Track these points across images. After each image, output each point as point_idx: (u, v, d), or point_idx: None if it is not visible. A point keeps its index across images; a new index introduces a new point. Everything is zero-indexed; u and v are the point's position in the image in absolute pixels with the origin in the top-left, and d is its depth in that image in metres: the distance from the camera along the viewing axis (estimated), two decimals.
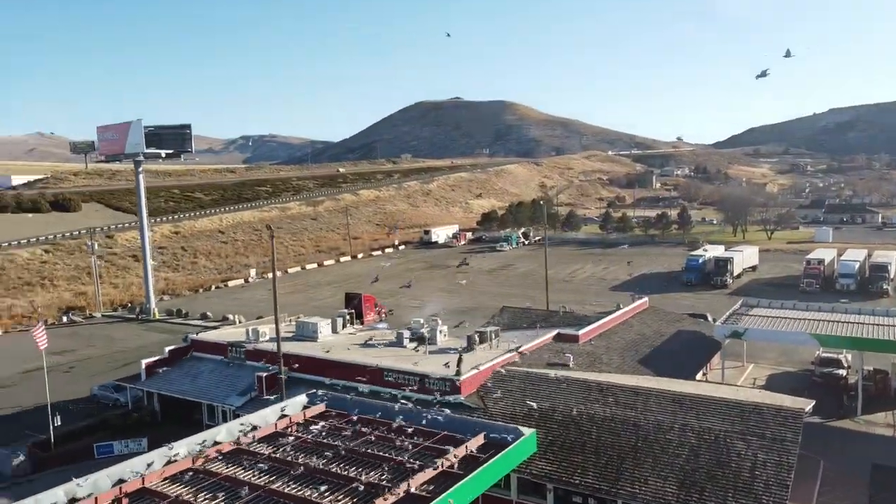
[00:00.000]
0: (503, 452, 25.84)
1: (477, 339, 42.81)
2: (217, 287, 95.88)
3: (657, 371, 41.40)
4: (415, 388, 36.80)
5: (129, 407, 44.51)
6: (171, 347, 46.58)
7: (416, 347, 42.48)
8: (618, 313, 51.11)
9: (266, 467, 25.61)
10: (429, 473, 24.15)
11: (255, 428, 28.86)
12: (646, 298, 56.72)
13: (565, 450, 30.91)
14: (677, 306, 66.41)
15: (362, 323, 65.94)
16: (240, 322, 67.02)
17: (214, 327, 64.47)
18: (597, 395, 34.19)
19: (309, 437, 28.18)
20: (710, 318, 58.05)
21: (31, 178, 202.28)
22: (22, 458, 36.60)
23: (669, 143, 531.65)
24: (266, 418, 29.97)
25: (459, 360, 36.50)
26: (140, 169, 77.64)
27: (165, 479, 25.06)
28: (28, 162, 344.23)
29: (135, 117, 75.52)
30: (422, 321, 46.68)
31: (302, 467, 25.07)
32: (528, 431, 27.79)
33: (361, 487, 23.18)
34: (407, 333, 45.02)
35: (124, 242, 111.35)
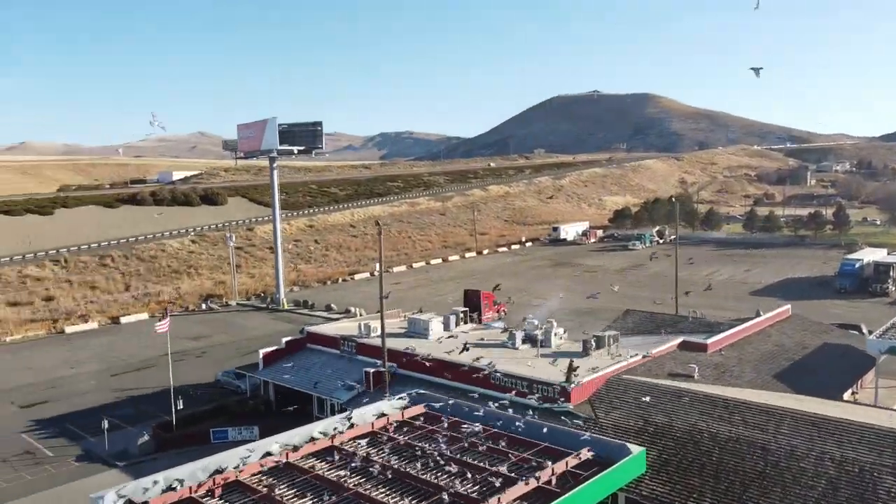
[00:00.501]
0: (607, 471, 23.60)
1: (593, 343, 40.33)
2: (344, 280, 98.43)
3: (795, 388, 37.03)
4: (522, 392, 35.03)
5: (247, 395, 45.99)
6: (288, 339, 47.62)
7: (515, 344, 40.67)
8: (754, 321, 46.56)
9: (357, 467, 24.98)
10: (522, 488, 22.44)
11: (352, 426, 28.38)
12: (788, 306, 51.38)
13: (681, 471, 28.01)
14: (826, 315, 59.89)
15: (480, 320, 64.99)
16: (360, 315, 68.10)
17: (337, 319, 65.87)
18: (722, 412, 30.87)
19: (403, 439, 27.28)
20: (864, 331, 51.68)
21: (189, 173, 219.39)
22: (146, 437, 38.54)
23: (829, 135, 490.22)
24: (364, 416, 29.42)
25: (570, 367, 34.31)
26: (274, 165, 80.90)
27: (259, 472, 25.07)
28: (190, 159, 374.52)
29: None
30: (536, 322, 44.74)
31: (391, 471, 24.17)
32: (637, 450, 25.32)
33: (447, 498, 21.89)
34: (520, 334, 43.29)
35: (262, 235, 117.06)
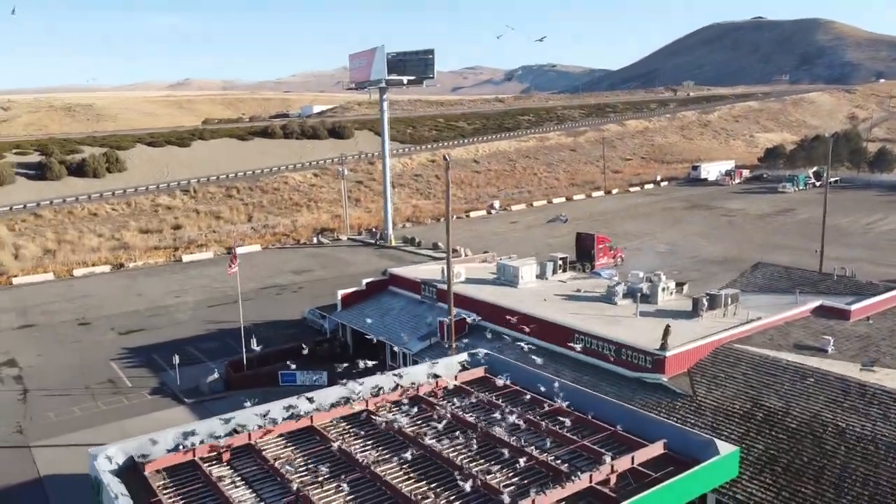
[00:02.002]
0: (682, 476, 18.63)
1: (705, 302, 34.27)
2: (458, 217, 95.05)
3: None
4: (609, 358, 30.17)
5: (327, 336, 44.19)
6: (369, 280, 45.02)
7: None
8: None
9: (381, 438, 21.70)
10: (568, 489, 18.11)
11: (397, 387, 25.01)
12: None
13: (791, 473, 22.38)
14: None
15: (593, 267, 59.48)
16: (465, 255, 64.69)
17: (440, 259, 62.87)
18: (856, 402, 24.54)
19: (448, 408, 23.56)
20: None
21: (327, 107, 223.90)
22: (216, 376, 37.59)
23: None
24: (416, 377, 25.93)
25: (666, 331, 28.87)
26: (384, 96, 77.83)
27: (285, 434, 22.41)
28: (333, 94, 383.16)
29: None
30: (640, 274, 39.08)
31: (422, 449, 20.61)
32: (727, 449, 20.02)
33: (467, 488, 18.06)
34: (621, 288, 37.90)
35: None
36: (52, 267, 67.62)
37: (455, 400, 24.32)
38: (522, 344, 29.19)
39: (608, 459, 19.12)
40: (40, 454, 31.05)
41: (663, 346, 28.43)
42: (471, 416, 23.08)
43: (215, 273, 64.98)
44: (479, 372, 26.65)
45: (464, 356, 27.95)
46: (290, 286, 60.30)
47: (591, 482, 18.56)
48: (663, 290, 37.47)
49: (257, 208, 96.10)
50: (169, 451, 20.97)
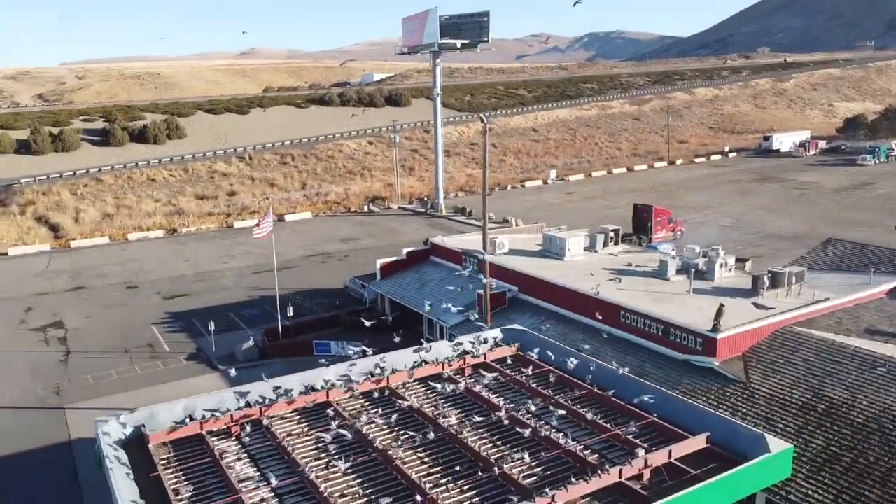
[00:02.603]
0: (725, 475, 16.53)
1: (766, 281, 31.50)
2: (513, 187, 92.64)
3: None
4: (656, 337, 27.98)
5: (366, 305, 43.15)
6: (410, 250, 43.61)
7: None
8: None
9: (406, 417, 20.30)
10: (594, 484, 16.33)
11: (422, 363, 23.55)
12: None
13: (854, 474, 19.97)
14: None
15: (650, 240, 56.71)
16: (516, 225, 62.71)
17: (492, 228, 61.03)
18: None
19: (474, 388, 21.98)
20: None
21: (387, 75, 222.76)
22: (251, 343, 37.06)
23: None
24: (442, 352, 24.40)
25: (719, 311, 26.44)
26: (437, 61, 75.63)
27: (300, 409, 21.29)
28: (395, 62, 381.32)
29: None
30: (697, 249, 36.39)
31: (440, 431, 19.13)
32: (779, 446, 17.79)
33: (485, 475, 16.50)
34: (674, 263, 35.37)
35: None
36: (108, 231, 68.91)
37: (482, 378, 22.68)
38: (561, 320, 27.30)
39: (642, 452, 17.20)
40: (73, 416, 31.10)
41: (715, 327, 26.04)
42: (497, 396, 21.46)
43: (263, 240, 64.73)
44: (510, 349, 24.88)
45: (496, 332, 26.24)
46: (336, 254, 59.58)
47: (620, 477, 16.70)
48: (721, 266, 34.77)
49: (311, 175, 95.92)
50: (177, 423, 20.13)
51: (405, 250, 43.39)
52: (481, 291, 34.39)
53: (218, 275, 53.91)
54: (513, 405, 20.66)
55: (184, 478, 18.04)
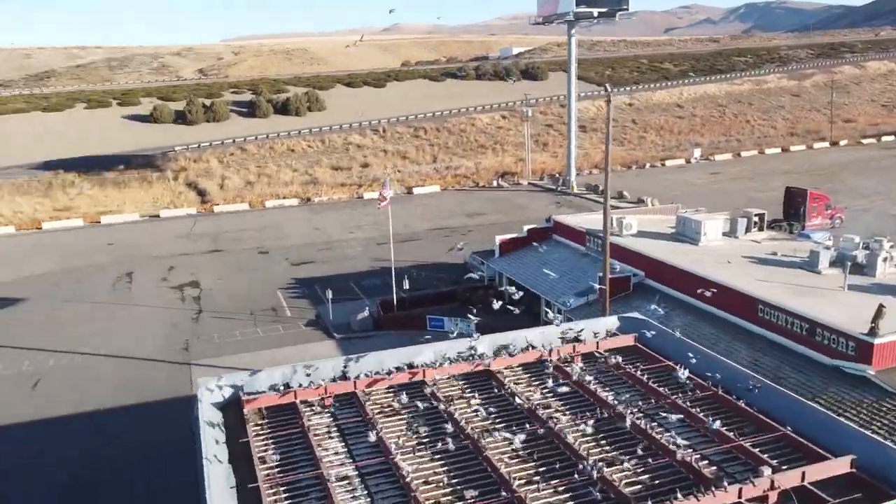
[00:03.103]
0: None
1: None
2: (653, 165, 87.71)
3: None
4: (800, 337, 24.77)
5: (484, 283, 42.01)
6: (531, 227, 41.89)
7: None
8: None
9: (505, 405, 18.96)
10: (705, 502, 14.23)
11: (528, 347, 22.04)
12: None
13: None
14: None
15: (803, 227, 51.57)
16: (651, 205, 59.15)
17: (624, 208, 58.00)
18: None
19: (581, 379, 20.21)
20: None
21: (525, 48, 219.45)
22: (366, 314, 37.07)
23: None
24: (547, 338, 22.73)
25: (879, 311, 22.87)
26: (573, 31, 72.31)
27: (396, 386, 20.52)
28: (536, 35, 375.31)
29: None
30: (856, 239, 32.11)
31: (538, 424, 17.63)
32: None
33: (595, 493, 14.83)
34: (828, 254, 31.43)
35: (576, 113, 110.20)
36: (248, 198, 72.32)
37: (591, 370, 20.88)
38: (690, 311, 24.79)
39: (768, 471, 14.83)
40: (197, 372, 32.47)
41: (873, 330, 22.60)
42: (606, 391, 19.58)
43: (392, 211, 65.23)
44: (628, 339, 22.76)
45: (613, 319, 24.18)
46: (461, 229, 58.89)
47: (740, 497, 14.45)
48: (885, 259, 30.44)
49: (442, 149, 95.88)
50: (274, 388, 19.98)
51: (526, 227, 41.78)
52: (601, 274, 32.25)
53: (344, 244, 54.88)
54: (623, 402, 18.74)
55: (272, 446, 17.76)
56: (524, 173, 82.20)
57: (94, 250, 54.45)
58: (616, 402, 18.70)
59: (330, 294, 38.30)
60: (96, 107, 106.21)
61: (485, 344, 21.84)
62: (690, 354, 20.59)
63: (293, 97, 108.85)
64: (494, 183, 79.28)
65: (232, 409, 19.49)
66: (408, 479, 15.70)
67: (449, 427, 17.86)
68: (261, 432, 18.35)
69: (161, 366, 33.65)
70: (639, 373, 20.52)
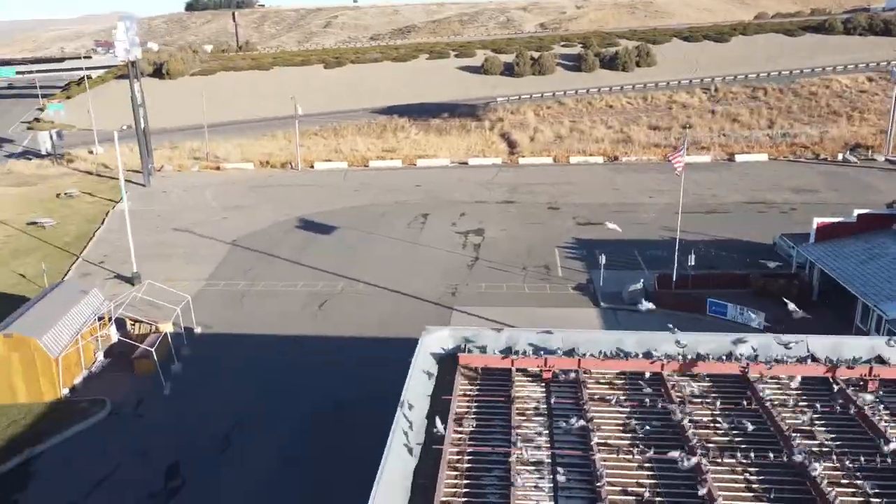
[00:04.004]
0: None
1: None
2: None
3: None
4: None
5: (791, 270, 35.39)
6: (863, 212, 33.73)
7: None
8: None
9: (749, 422, 15.12)
10: None
11: (809, 358, 17.44)
12: None
13: None
14: None
15: None
16: None
17: None
18: None
19: (872, 411, 15.27)
20: None
21: None
22: (639, 286, 33.64)
23: None
24: (839, 350, 17.70)
25: None
26: None
27: (624, 373, 17.77)
28: None
29: None
30: None
31: (785, 456, 13.64)
32: None
33: None
34: None
35: None
36: (555, 152, 71.50)
37: (892, 401, 15.70)
38: None
39: None
40: (456, 318, 32.84)
41: None
42: (837, 453, 14.38)
43: (702, 178, 59.20)
44: None
45: None
46: (781, 205, 50.83)
47: None
48: None
49: (782, 113, 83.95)
50: (499, 351, 18.67)
51: (857, 212, 33.90)
52: None
53: (640, 208, 51.05)
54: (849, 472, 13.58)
55: (475, 409, 16.60)
56: (883, 147, 68.02)
57: (403, 190, 58.64)
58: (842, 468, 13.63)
59: (603, 259, 35.72)
60: (437, 58, 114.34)
61: (753, 343, 17.82)
62: None
63: (622, 51, 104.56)
64: (840, 156, 66.95)
65: (448, 362, 18.74)
66: (600, 483, 13.30)
67: (673, 435, 14.84)
68: (469, 392, 17.29)
69: (427, 306, 34.77)
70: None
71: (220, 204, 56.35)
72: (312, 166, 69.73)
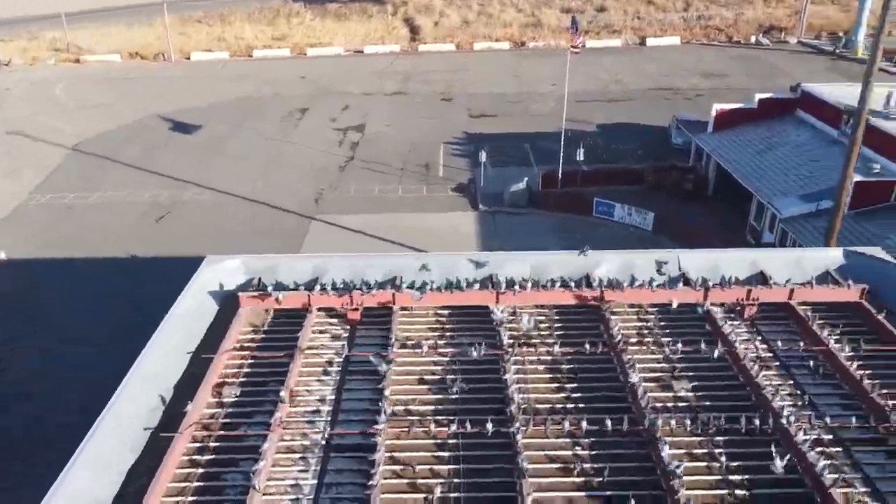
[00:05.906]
0: None
1: None
2: None
3: None
4: None
5: (687, 162, 32.40)
6: (764, 96, 30.64)
7: None
8: None
9: (592, 358, 11.74)
10: None
11: (681, 278, 14.05)
12: None
13: None
14: None
15: None
16: None
17: None
18: None
19: (743, 350, 12.05)
20: None
21: None
22: (522, 186, 30.11)
23: None
24: (714, 266, 14.39)
25: None
26: None
27: (456, 308, 14.03)
28: None
29: None
30: None
31: (622, 412, 10.34)
32: None
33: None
34: None
35: None
36: (458, 38, 65.88)
37: (769, 335, 12.61)
38: None
39: None
40: (314, 229, 28.72)
41: None
42: (780, 378, 11.40)
43: (610, 63, 55.17)
44: (849, 293, 13.62)
45: (837, 253, 14.90)
46: (687, 91, 47.68)
47: None
48: None
49: None
50: (296, 286, 14.52)
51: (758, 96, 30.69)
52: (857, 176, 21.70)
53: (539, 98, 46.98)
54: (796, 407, 10.53)
55: (246, 369, 12.58)
56: (796, 29, 65.20)
57: (285, 82, 52.67)
58: (787, 402, 10.59)
59: (484, 156, 31.79)
60: None
61: (609, 264, 14.26)
62: None
63: None
64: (753, 39, 63.92)
65: (229, 305, 14.51)
66: (375, 469, 9.62)
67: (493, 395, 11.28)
68: (246, 345, 13.16)
69: (285, 217, 30.41)
70: (849, 351, 11.84)
71: (73, 102, 49.20)
72: (189, 58, 62.20)
